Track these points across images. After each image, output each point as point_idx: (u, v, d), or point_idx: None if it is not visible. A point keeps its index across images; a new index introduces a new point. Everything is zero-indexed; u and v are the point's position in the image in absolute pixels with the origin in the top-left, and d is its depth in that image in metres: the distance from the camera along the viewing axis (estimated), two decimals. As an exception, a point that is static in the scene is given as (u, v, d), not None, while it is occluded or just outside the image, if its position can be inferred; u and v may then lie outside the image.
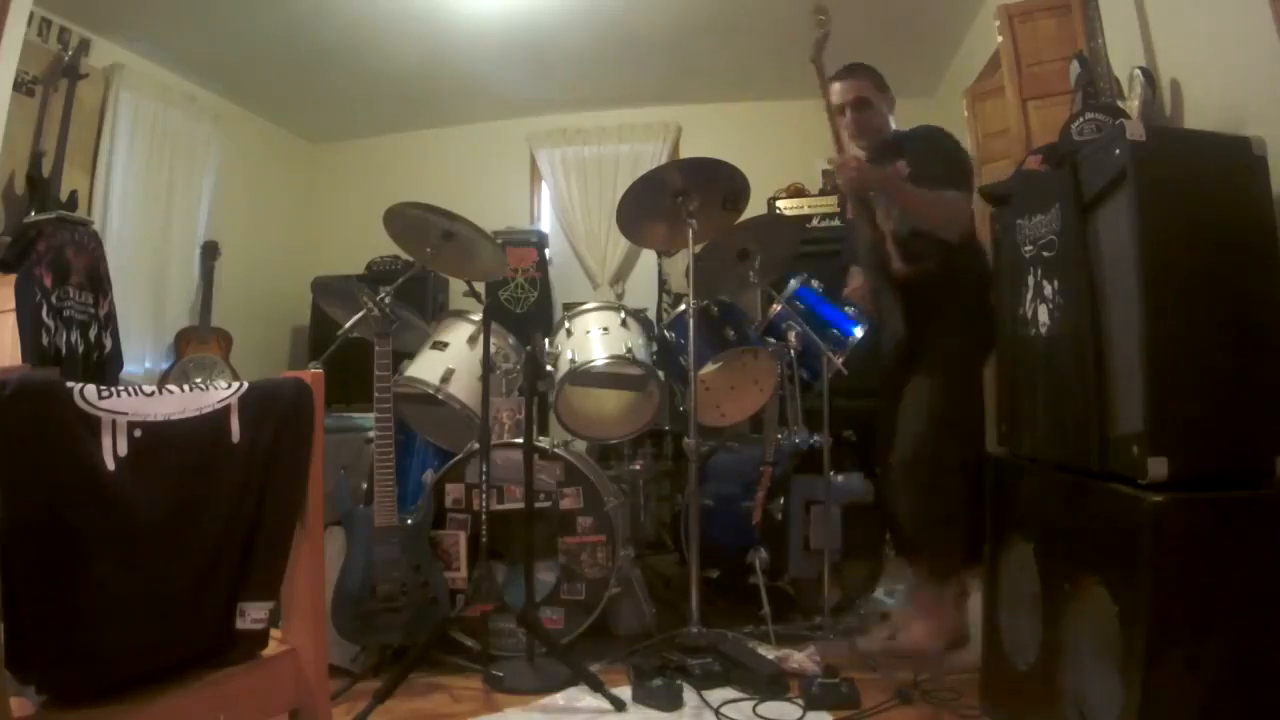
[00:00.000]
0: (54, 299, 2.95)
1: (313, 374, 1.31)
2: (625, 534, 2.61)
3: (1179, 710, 1.27)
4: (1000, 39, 2.79)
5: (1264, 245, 1.43)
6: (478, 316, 2.66)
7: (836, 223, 4.03)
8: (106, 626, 1.04)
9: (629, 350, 2.61)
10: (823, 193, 4.23)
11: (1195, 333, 1.38)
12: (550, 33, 3.77)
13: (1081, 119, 1.90)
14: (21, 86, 3.12)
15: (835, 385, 2.76)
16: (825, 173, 4.30)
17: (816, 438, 2.72)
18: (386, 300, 2.34)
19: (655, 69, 4.32)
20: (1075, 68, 2.12)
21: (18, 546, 0.96)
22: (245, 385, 1.22)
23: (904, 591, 2.62)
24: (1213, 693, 1.27)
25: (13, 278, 2.72)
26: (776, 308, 2.80)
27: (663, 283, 4.58)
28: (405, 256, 3.52)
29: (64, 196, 3.26)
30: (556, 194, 5.09)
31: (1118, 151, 1.43)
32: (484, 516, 2.28)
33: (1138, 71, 1.94)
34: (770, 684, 2.08)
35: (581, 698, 2.09)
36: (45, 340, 2.88)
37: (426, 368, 2.66)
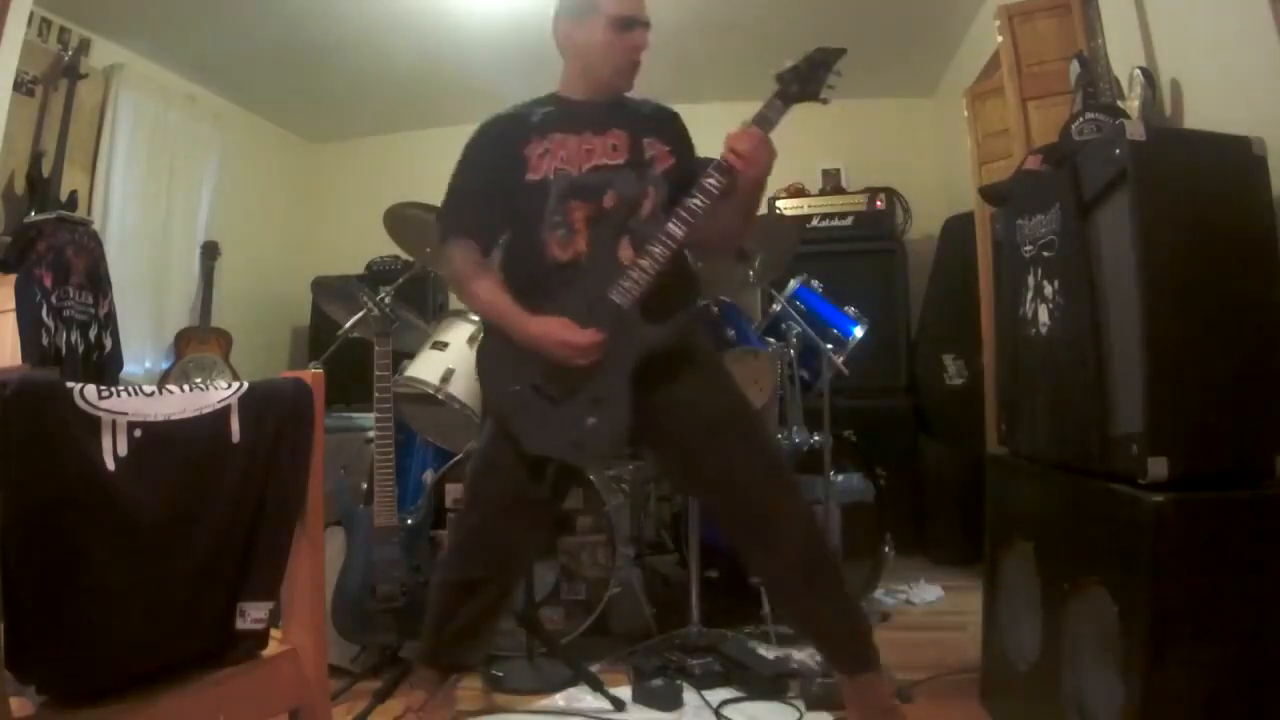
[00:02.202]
0: (54, 299, 2.95)
1: (313, 374, 1.31)
2: (625, 534, 2.61)
3: (1179, 710, 1.27)
4: (1000, 39, 2.79)
5: (1264, 245, 1.43)
6: (477, 316, 2.66)
7: (837, 223, 4.03)
8: (106, 626, 1.04)
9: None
10: (823, 193, 4.23)
11: (1195, 332, 1.38)
12: (550, 32, 3.76)
13: (1081, 119, 1.90)
14: (21, 86, 3.11)
15: (835, 385, 2.77)
16: (825, 173, 4.30)
17: (816, 438, 2.72)
18: (386, 300, 2.34)
19: (655, 69, 4.31)
20: (1075, 68, 2.12)
21: (18, 546, 0.96)
22: (245, 385, 1.22)
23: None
24: (1213, 693, 1.27)
25: (13, 278, 2.72)
26: (776, 308, 2.81)
27: (663, 283, 4.57)
28: (405, 256, 3.53)
29: (64, 196, 3.25)
30: (556, 194, 5.08)
31: (1118, 151, 1.43)
32: (484, 516, 2.28)
33: (1138, 71, 1.94)
34: (770, 684, 2.08)
35: (581, 698, 2.09)
36: (45, 340, 2.87)
37: (426, 368, 2.66)
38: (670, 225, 1.64)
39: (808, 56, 1.68)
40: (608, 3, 1.77)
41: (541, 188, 1.72)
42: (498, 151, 1.78)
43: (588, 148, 1.75)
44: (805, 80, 1.68)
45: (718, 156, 1.66)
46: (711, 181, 1.64)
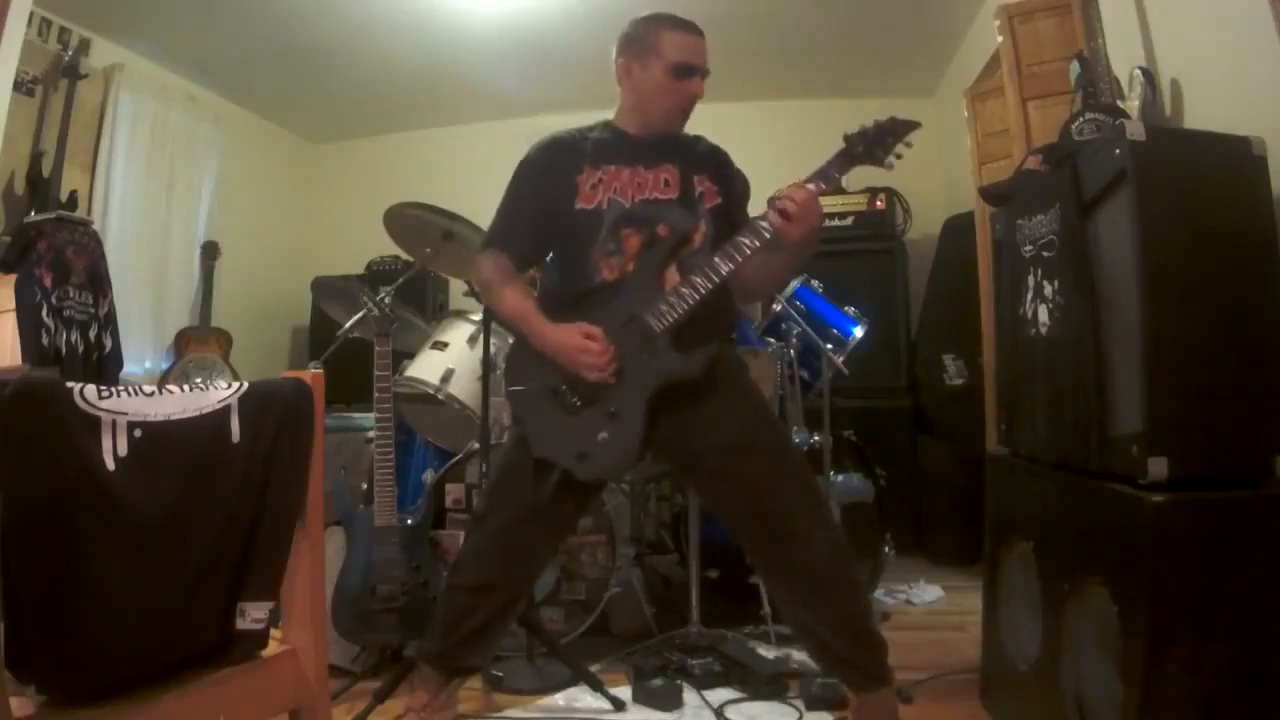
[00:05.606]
0: (54, 299, 2.95)
1: (313, 374, 1.31)
2: (625, 534, 2.61)
3: (1179, 710, 1.27)
4: (1000, 39, 2.79)
5: (1263, 245, 1.43)
6: (478, 317, 2.65)
7: (837, 222, 4.03)
8: (106, 626, 1.04)
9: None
10: (823, 193, 4.21)
11: (1195, 332, 1.38)
12: (551, 32, 3.76)
13: (1081, 119, 1.90)
14: (21, 86, 3.11)
15: (835, 385, 2.77)
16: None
17: (816, 438, 2.72)
18: (386, 300, 2.34)
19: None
20: (1075, 68, 2.12)
21: (18, 547, 0.96)
22: (245, 385, 1.22)
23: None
24: (1212, 692, 1.27)
25: (13, 278, 2.72)
26: (776, 308, 2.81)
27: (663, 283, 4.57)
28: (405, 256, 3.52)
29: (64, 196, 3.25)
30: (556, 194, 5.08)
31: (1118, 151, 1.43)
32: (484, 516, 2.28)
33: (1138, 71, 1.94)
34: (770, 684, 2.08)
35: (581, 698, 2.10)
36: (45, 340, 2.87)
37: (426, 368, 2.66)
38: (716, 260, 1.67)
39: (879, 123, 1.70)
40: (669, 48, 1.78)
41: (595, 216, 1.75)
42: (549, 176, 1.81)
43: (639, 181, 1.78)
44: (872, 144, 1.69)
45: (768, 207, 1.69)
46: (765, 225, 1.66)
